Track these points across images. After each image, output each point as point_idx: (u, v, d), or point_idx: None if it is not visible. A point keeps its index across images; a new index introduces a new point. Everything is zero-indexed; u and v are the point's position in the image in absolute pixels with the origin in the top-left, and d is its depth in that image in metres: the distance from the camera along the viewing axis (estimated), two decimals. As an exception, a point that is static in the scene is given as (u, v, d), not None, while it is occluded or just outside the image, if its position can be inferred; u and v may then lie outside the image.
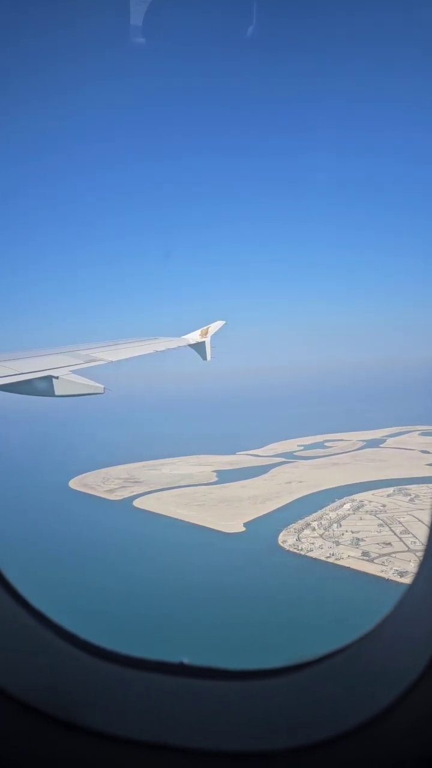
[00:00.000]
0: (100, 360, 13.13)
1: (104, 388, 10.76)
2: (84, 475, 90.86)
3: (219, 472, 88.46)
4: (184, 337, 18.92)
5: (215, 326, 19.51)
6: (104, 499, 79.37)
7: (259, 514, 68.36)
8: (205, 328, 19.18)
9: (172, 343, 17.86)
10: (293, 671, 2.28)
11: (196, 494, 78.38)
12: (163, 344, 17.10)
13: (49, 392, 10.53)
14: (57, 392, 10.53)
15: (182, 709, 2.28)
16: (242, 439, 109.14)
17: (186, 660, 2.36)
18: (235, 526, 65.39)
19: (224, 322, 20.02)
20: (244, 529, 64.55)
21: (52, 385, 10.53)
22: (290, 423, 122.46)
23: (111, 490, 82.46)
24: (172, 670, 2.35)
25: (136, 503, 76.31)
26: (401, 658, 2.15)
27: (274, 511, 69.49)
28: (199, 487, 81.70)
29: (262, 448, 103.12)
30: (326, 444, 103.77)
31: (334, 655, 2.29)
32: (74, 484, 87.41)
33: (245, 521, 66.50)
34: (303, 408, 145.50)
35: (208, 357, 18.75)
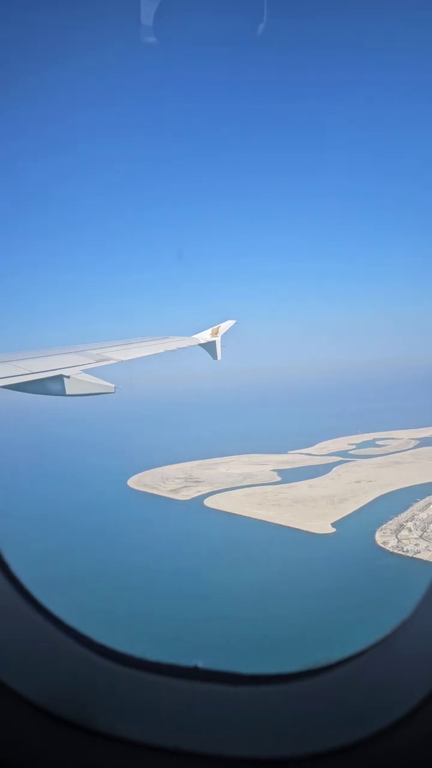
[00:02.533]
0: (110, 359, 13.02)
1: (115, 387, 10.63)
2: (141, 474, 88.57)
3: (279, 472, 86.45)
4: (194, 336, 18.60)
5: (226, 325, 19.30)
6: (171, 499, 77.07)
7: (343, 515, 66.43)
8: (216, 327, 18.92)
9: (183, 342, 17.61)
10: (308, 677, 2.22)
11: (266, 494, 76.28)
12: (173, 343, 16.95)
13: (60, 392, 10.46)
14: (68, 392, 10.46)
15: (195, 714, 2.25)
16: (289, 437, 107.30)
17: (200, 663, 2.28)
18: (323, 526, 63.40)
19: (235, 321, 19.85)
20: (334, 530, 62.58)
21: (63, 385, 10.45)
22: (332, 421, 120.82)
23: (175, 490, 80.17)
24: (185, 673, 2.28)
25: (207, 503, 74.07)
26: (417, 666, 2.08)
27: (355, 511, 67.60)
28: (265, 486, 79.61)
29: (314, 447, 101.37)
30: (377, 443, 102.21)
31: (349, 662, 2.21)
32: (133, 483, 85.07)
33: (331, 522, 64.52)
34: (338, 407, 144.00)
35: (219, 356, 18.58)
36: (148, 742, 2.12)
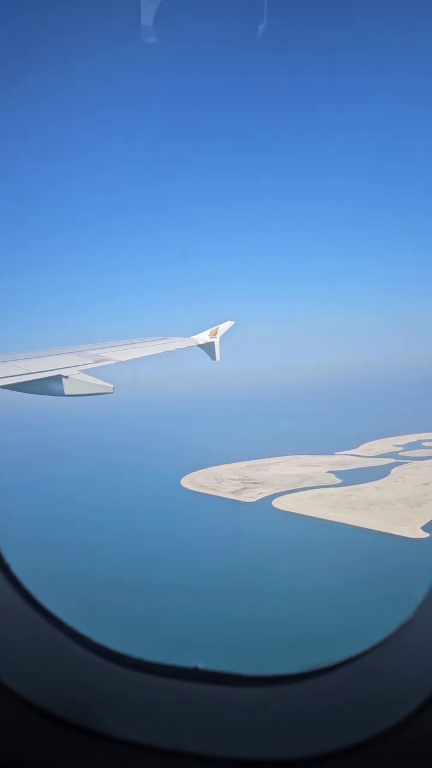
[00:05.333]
0: (109, 360, 13.04)
1: (114, 387, 10.66)
2: (191, 475, 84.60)
3: (337, 473, 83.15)
4: (193, 337, 18.74)
5: (225, 326, 19.38)
6: (236, 500, 73.23)
7: (429, 519, 63.30)
8: (215, 328, 19.05)
9: (182, 343, 17.74)
10: (310, 678, 2.19)
11: (334, 496, 72.87)
12: (172, 344, 17.05)
13: (59, 392, 10.50)
14: (67, 392, 10.49)
15: (196, 715, 2.21)
16: (328, 439, 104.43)
17: (201, 665, 2.25)
18: (414, 531, 60.12)
19: (233, 322, 19.93)
20: (426, 534, 59.37)
21: (62, 385, 10.48)
22: (369, 422, 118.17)
23: (236, 491, 76.35)
24: (186, 675, 2.27)
25: (276, 504, 70.43)
26: (420, 665, 2.05)
27: (440, 514, 64.58)
28: (330, 488, 76.20)
29: (359, 448, 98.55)
30: (424, 444, 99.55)
31: (351, 662, 2.19)
32: (187, 484, 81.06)
33: (420, 526, 61.33)
34: (363, 408, 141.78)
35: (218, 357, 18.68)
36: (149, 744, 2.10)
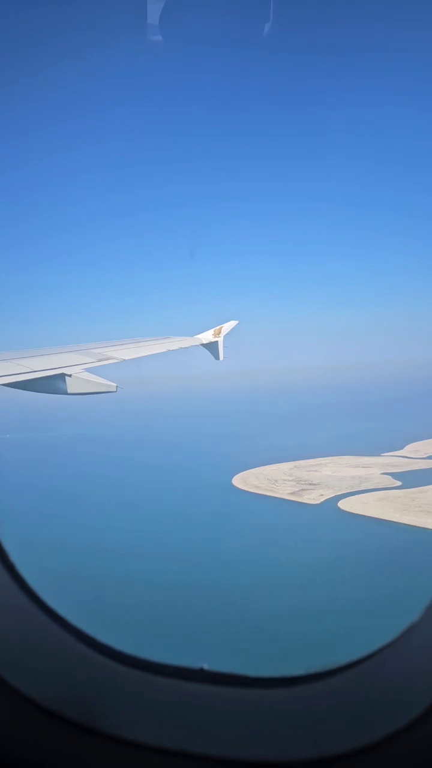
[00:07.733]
0: (112, 358, 12.85)
1: (117, 386, 10.63)
2: (241, 474, 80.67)
3: (393, 475, 79.64)
4: (197, 336, 18.63)
5: (228, 326, 19.21)
6: (298, 502, 69.37)
7: None
8: (218, 327, 18.89)
9: (185, 342, 17.67)
10: (316, 680, 2.19)
11: (401, 498, 69.24)
12: (176, 343, 16.92)
13: (62, 390, 10.46)
14: (70, 390, 10.46)
15: (201, 716, 2.21)
16: (366, 439, 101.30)
17: (206, 666, 2.24)
18: None
19: (237, 321, 19.73)
20: None
21: (65, 384, 10.43)
22: (402, 423, 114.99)
23: (295, 492, 72.49)
24: (192, 676, 2.27)
25: (343, 507, 66.67)
26: (429, 668, 2.03)
27: None
28: (394, 491, 72.62)
29: (405, 449, 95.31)
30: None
31: (358, 664, 2.18)
32: (239, 484, 77.07)
33: None
34: (392, 408, 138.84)
35: (221, 356, 18.50)
36: (154, 744, 2.10)
